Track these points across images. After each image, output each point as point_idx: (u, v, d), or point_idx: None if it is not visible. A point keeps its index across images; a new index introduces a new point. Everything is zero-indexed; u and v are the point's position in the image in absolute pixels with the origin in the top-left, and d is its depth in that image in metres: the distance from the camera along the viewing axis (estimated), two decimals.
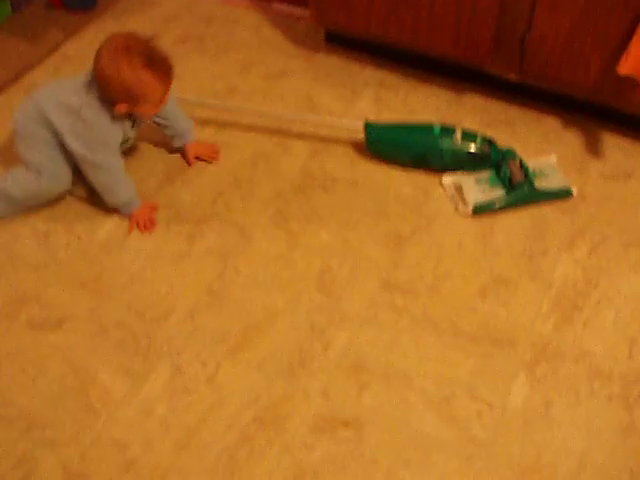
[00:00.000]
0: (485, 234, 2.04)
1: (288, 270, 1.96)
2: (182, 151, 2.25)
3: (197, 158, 2.25)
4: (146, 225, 2.07)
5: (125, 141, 2.07)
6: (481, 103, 2.44)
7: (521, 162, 2.11)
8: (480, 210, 2.07)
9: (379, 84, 2.53)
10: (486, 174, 2.15)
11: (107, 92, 1.91)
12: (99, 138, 1.97)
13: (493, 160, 2.14)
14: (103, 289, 1.93)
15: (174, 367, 1.76)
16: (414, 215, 2.09)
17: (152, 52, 1.90)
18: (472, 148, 2.13)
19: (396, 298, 1.89)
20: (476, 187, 2.12)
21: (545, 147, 2.29)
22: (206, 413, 1.68)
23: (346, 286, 1.92)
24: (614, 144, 2.29)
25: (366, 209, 2.11)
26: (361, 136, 2.23)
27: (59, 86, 2.03)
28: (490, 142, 2.15)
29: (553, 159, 2.22)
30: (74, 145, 1.96)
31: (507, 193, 2.09)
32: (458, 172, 2.16)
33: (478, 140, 2.13)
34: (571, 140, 2.31)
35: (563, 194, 2.12)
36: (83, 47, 2.70)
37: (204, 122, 2.35)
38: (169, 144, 2.25)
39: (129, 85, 1.87)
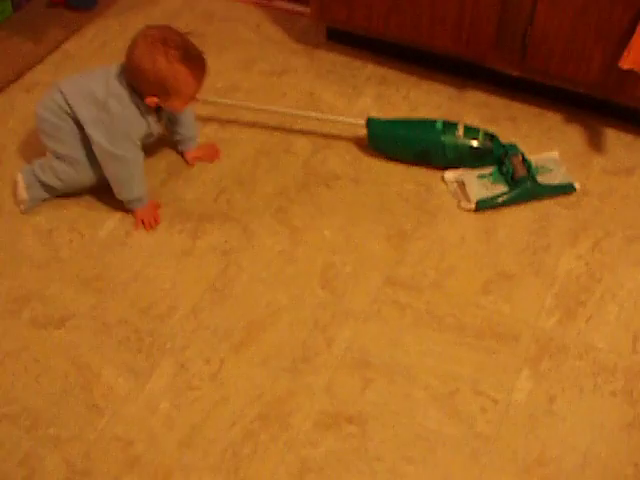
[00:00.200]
0: (488, 230, 2.04)
1: (291, 267, 1.96)
2: (182, 153, 2.25)
3: (197, 158, 2.25)
4: (151, 223, 2.06)
5: (149, 135, 2.04)
6: (483, 99, 2.44)
7: (523, 157, 2.11)
8: (483, 206, 2.07)
9: (381, 80, 2.52)
10: (489, 170, 2.15)
11: (139, 84, 1.90)
12: (122, 129, 1.94)
13: (495, 155, 2.13)
14: (106, 286, 1.93)
15: (178, 364, 1.76)
16: (417, 211, 2.09)
17: (188, 47, 1.90)
18: (474, 143, 2.12)
19: (399, 294, 1.89)
20: (479, 183, 2.12)
21: (547, 142, 2.28)
22: (210, 410, 1.68)
23: (349, 282, 1.92)
24: (616, 139, 2.29)
25: (369, 205, 2.11)
26: (363, 132, 2.23)
27: (83, 78, 2.02)
28: (492, 137, 2.14)
29: (555, 154, 2.22)
30: (96, 135, 1.94)
31: (510, 189, 2.09)
32: (460, 168, 2.16)
33: (480, 135, 2.13)
34: (573, 135, 2.31)
35: (566, 189, 2.11)
36: (84, 45, 2.70)
37: (206, 119, 2.35)
38: (171, 141, 2.24)
39: (164, 78, 1.86)
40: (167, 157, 2.26)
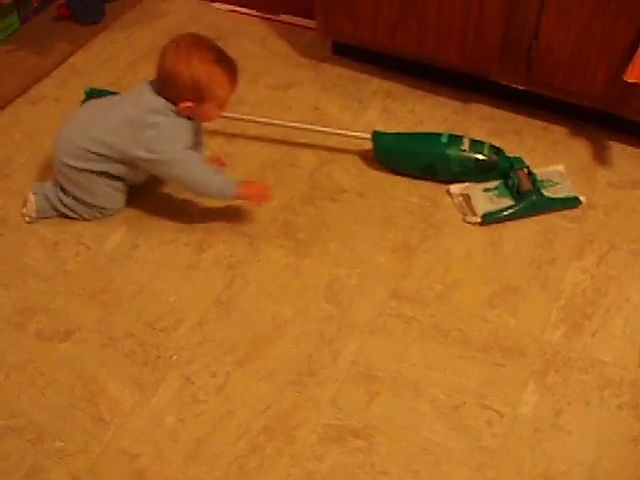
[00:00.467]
0: (494, 243, 2.04)
1: (297, 280, 1.96)
2: None
3: None
4: (263, 194, 2.05)
5: (194, 146, 2.02)
6: (488, 112, 2.44)
7: (529, 171, 2.12)
8: (488, 219, 2.07)
9: (386, 94, 2.53)
10: (494, 183, 2.15)
11: (173, 89, 1.89)
12: (167, 135, 1.93)
13: (501, 169, 2.14)
14: (112, 300, 1.93)
15: (183, 377, 1.76)
16: (422, 224, 2.09)
17: (220, 49, 1.91)
18: (480, 156, 2.13)
19: (405, 307, 1.89)
20: (484, 196, 2.12)
21: (553, 156, 2.28)
22: (216, 423, 1.68)
23: (355, 296, 1.92)
24: (622, 152, 2.29)
25: (374, 219, 2.11)
26: (369, 146, 2.24)
27: (106, 111, 2.00)
28: (498, 150, 2.15)
29: (561, 168, 2.22)
30: (143, 155, 1.93)
31: (515, 202, 2.09)
32: (466, 181, 2.16)
33: (486, 149, 2.14)
34: (579, 148, 2.31)
35: (571, 203, 2.11)
36: (91, 59, 2.71)
37: (212, 133, 2.35)
38: None
39: (199, 79, 1.86)
40: None
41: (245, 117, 2.37)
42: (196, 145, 2.03)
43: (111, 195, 2.08)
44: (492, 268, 1.98)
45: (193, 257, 2.02)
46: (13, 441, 1.66)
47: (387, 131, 2.24)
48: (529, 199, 2.07)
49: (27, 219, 2.10)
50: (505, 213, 2.07)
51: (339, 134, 2.29)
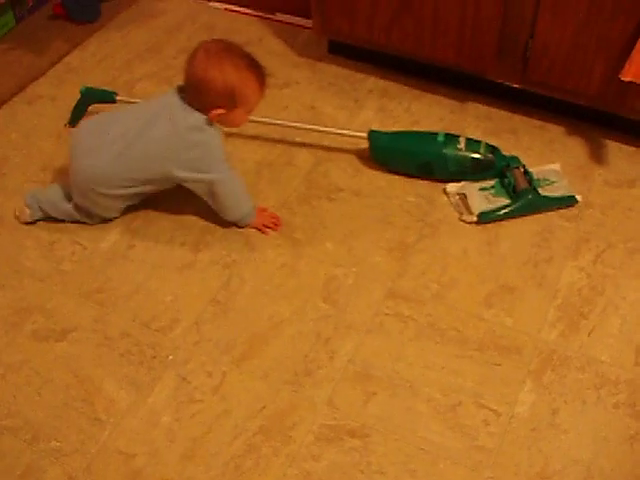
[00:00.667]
0: (490, 242, 2.04)
1: (293, 279, 1.96)
2: None
3: None
4: (274, 223, 2.07)
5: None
6: (484, 111, 2.44)
7: (525, 170, 2.12)
8: (485, 218, 2.07)
9: (382, 93, 2.53)
10: (490, 182, 2.15)
11: (204, 97, 1.86)
12: (212, 153, 1.93)
13: (497, 168, 2.13)
14: (108, 299, 1.93)
15: (179, 377, 1.76)
16: (419, 224, 2.09)
17: (251, 55, 1.90)
18: (476, 155, 2.13)
19: (402, 307, 1.89)
20: (480, 195, 2.12)
21: (549, 154, 2.28)
22: (212, 423, 1.68)
23: (351, 295, 1.92)
24: (618, 151, 2.29)
25: (371, 218, 2.11)
26: (365, 145, 2.23)
27: (124, 149, 1.91)
28: (494, 149, 2.15)
29: (557, 166, 2.22)
30: (187, 175, 1.92)
31: (512, 201, 2.08)
32: (462, 180, 2.16)
33: (482, 148, 2.14)
34: (575, 147, 2.31)
35: (568, 201, 2.11)
36: (87, 58, 2.71)
37: None
38: None
39: (232, 85, 1.84)
40: None
41: None
42: None
43: (121, 208, 2.08)
44: (488, 267, 1.98)
45: (189, 257, 2.02)
46: (9, 441, 1.65)
47: (383, 130, 2.24)
48: (525, 198, 2.07)
49: (21, 219, 2.10)
50: (501, 212, 2.07)
51: (335, 133, 2.29)
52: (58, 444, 1.65)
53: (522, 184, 2.08)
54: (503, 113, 2.43)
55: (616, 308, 1.88)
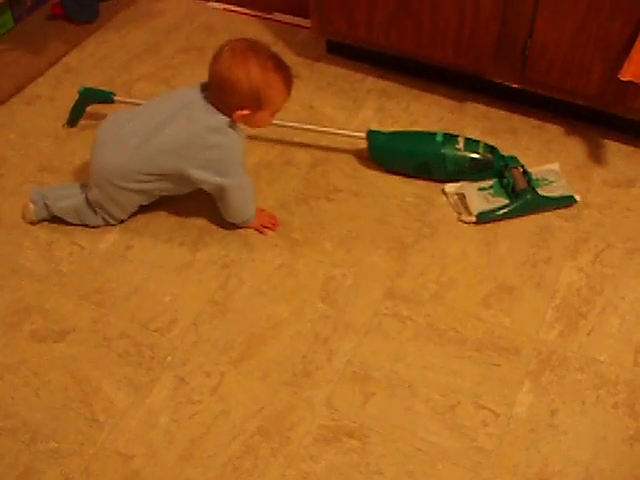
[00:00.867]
0: (489, 242, 2.03)
1: (292, 280, 1.96)
2: None
3: None
4: (272, 224, 2.07)
5: None
6: (483, 111, 2.44)
7: (524, 170, 2.11)
8: (484, 218, 2.07)
9: (381, 93, 2.53)
10: (489, 182, 2.15)
11: (229, 97, 1.84)
12: (231, 157, 1.92)
13: (496, 168, 2.13)
14: (106, 300, 1.92)
15: (178, 378, 1.76)
16: (417, 224, 2.09)
17: (277, 56, 1.89)
18: (475, 155, 2.12)
19: (400, 307, 1.89)
20: (479, 195, 2.12)
21: (548, 154, 2.28)
22: (210, 424, 1.67)
23: (350, 296, 1.92)
24: (617, 150, 2.29)
25: (369, 218, 2.11)
26: (363, 145, 2.23)
27: (141, 143, 1.91)
28: (493, 149, 2.15)
29: (556, 166, 2.21)
30: (201, 176, 1.92)
31: (510, 201, 2.08)
32: (461, 180, 2.16)
33: (481, 147, 2.13)
34: (573, 147, 2.31)
35: (566, 201, 2.11)
36: (85, 58, 2.70)
37: None
38: None
39: (258, 86, 1.82)
40: None
41: None
42: None
43: (133, 208, 2.07)
44: (487, 267, 1.97)
45: (187, 257, 2.02)
46: (7, 442, 1.65)
47: (382, 130, 2.24)
48: (524, 198, 2.07)
49: (27, 219, 2.09)
50: (500, 212, 2.07)
51: (334, 133, 2.28)
52: (56, 445, 1.64)
53: (521, 184, 2.08)
54: (502, 113, 2.43)
55: (615, 308, 1.88)
